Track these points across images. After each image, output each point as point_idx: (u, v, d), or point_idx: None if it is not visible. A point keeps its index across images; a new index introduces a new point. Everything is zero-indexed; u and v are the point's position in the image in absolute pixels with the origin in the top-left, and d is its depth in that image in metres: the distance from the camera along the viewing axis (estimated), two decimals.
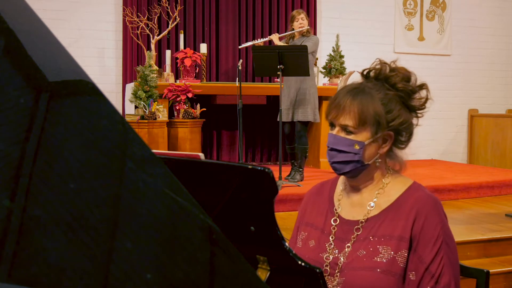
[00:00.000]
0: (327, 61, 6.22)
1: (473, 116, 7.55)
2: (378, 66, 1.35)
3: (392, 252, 1.24)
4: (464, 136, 7.64)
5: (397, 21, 7.18)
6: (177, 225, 0.53)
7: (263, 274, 0.95)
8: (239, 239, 0.88)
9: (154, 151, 0.55)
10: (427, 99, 1.34)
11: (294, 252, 0.95)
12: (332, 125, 1.33)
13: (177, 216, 0.53)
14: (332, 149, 1.31)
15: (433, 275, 1.22)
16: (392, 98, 1.30)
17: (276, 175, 4.47)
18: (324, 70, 6.15)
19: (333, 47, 6.22)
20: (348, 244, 1.31)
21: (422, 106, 1.34)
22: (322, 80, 6.27)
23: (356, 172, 1.32)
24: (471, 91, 7.64)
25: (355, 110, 1.27)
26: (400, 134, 1.33)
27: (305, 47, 4.53)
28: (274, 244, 0.94)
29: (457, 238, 3.35)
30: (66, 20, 5.82)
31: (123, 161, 0.51)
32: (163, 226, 0.52)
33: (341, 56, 6.14)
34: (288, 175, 4.98)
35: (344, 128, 1.29)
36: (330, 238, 1.34)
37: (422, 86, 1.34)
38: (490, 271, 1.51)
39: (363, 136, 1.29)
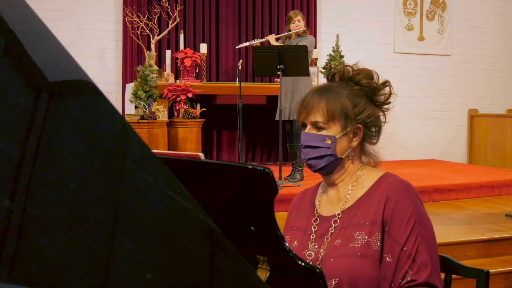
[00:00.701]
0: (327, 61, 6.22)
1: (473, 116, 7.55)
2: (341, 69, 1.42)
3: (366, 237, 1.28)
4: (464, 136, 7.64)
5: (397, 21, 7.18)
6: (177, 225, 0.53)
7: (263, 274, 0.95)
8: (239, 239, 0.88)
9: (154, 151, 0.55)
10: (390, 93, 1.41)
11: (294, 252, 0.95)
12: (304, 125, 1.39)
13: (177, 216, 0.53)
14: (305, 147, 1.37)
15: (409, 254, 1.24)
16: (357, 93, 1.37)
17: (276, 175, 4.47)
18: (324, 70, 6.15)
19: (333, 47, 6.22)
20: (327, 237, 1.34)
21: (387, 101, 1.41)
22: (322, 80, 6.27)
23: (331, 167, 1.37)
24: (471, 91, 7.64)
25: (323, 106, 1.34)
26: (369, 128, 1.39)
27: (305, 47, 4.54)
28: (274, 244, 0.94)
29: (457, 238, 3.36)
30: (66, 20, 5.82)
31: (123, 161, 0.51)
32: (163, 226, 0.52)
33: (341, 56, 6.14)
34: (289, 175, 4.99)
35: (315, 125, 1.36)
36: (311, 236, 1.38)
37: (385, 83, 1.41)
38: (490, 271, 1.51)
39: (334, 131, 1.35)
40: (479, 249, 3.36)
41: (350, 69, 1.41)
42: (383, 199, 1.30)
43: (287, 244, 0.94)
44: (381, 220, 1.28)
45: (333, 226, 1.35)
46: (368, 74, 1.40)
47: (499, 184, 5.08)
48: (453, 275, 1.54)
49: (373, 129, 1.40)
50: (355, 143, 1.37)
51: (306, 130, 1.37)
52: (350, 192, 1.38)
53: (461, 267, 1.51)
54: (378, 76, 1.41)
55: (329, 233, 1.34)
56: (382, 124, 1.42)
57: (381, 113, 1.42)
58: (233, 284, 0.57)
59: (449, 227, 3.66)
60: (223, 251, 0.56)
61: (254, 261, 0.97)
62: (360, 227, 1.30)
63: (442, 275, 1.55)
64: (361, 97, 1.37)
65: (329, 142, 1.34)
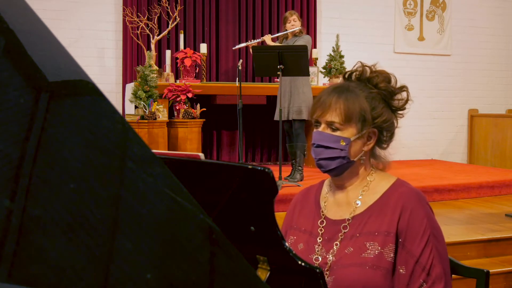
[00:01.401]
0: (327, 61, 6.22)
1: (473, 116, 7.55)
2: (360, 69, 1.38)
3: (379, 248, 1.25)
4: (464, 136, 7.64)
5: (397, 21, 7.18)
6: (177, 225, 0.53)
7: (263, 274, 0.95)
8: (239, 239, 0.88)
9: (154, 151, 0.55)
10: (407, 99, 1.38)
11: (294, 252, 0.95)
12: (317, 123, 1.35)
13: (177, 216, 0.53)
14: (318, 146, 1.33)
15: (423, 267, 1.23)
16: (376, 96, 1.34)
17: (276, 175, 4.47)
18: (324, 70, 6.15)
19: (333, 47, 6.21)
20: (336, 242, 1.32)
21: (403, 107, 1.38)
22: (322, 80, 6.27)
23: (342, 169, 1.34)
24: (471, 91, 7.64)
25: (341, 107, 1.30)
26: (383, 133, 1.36)
27: (305, 47, 4.55)
28: (274, 244, 0.93)
29: (457, 238, 3.36)
30: (66, 20, 5.82)
31: (123, 161, 0.51)
32: (163, 226, 0.52)
33: (341, 56, 6.13)
34: (289, 175, 4.99)
35: (330, 125, 1.32)
36: (318, 239, 1.35)
37: (403, 88, 1.38)
38: (490, 271, 1.51)
39: (349, 133, 1.31)
40: (479, 249, 3.36)
41: (369, 69, 1.37)
42: (397, 210, 1.28)
43: (287, 244, 0.94)
44: (395, 231, 1.26)
45: (342, 231, 1.32)
46: (387, 77, 1.36)
47: (499, 184, 5.08)
48: (453, 275, 1.54)
49: (385, 134, 1.37)
50: (369, 146, 1.34)
51: (320, 129, 1.33)
52: (360, 197, 1.35)
53: (461, 267, 1.51)
54: (396, 79, 1.38)
55: (339, 238, 1.32)
56: (395, 128, 1.39)
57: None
58: (233, 284, 0.57)
59: (449, 227, 3.66)
60: (223, 251, 0.56)
61: (254, 261, 0.96)
62: (373, 237, 1.27)
63: None
64: (379, 101, 1.34)
65: (344, 144, 1.30)
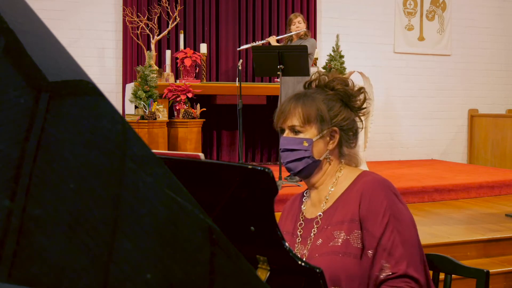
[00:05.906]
0: (327, 61, 6.22)
1: (473, 116, 7.55)
2: (317, 77, 1.48)
3: (345, 235, 1.31)
4: (464, 136, 7.64)
5: (397, 21, 7.18)
6: (177, 225, 0.53)
7: (263, 274, 0.95)
8: (239, 239, 0.88)
9: (154, 151, 0.55)
10: (365, 99, 1.47)
11: (294, 252, 0.95)
12: (282, 131, 1.44)
13: (177, 216, 0.53)
14: (284, 150, 1.41)
15: (384, 248, 1.26)
16: (333, 97, 1.43)
17: (276, 175, 4.47)
18: (324, 70, 6.15)
19: (333, 47, 6.22)
20: (310, 238, 1.38)
21: (362, 106, 1.47)
22: None
23: (309, 169, 1.41)
24: (471, 91, 7.64)
25: (299, 110, 1.40)
26: (346, 132, 1.43)
27: (305, 47, 4.55)
28: (274, 244, 0.94)
29: (457, 238, 3.36)
30: (66, 20, 5.82)
31: (123, 161, 0.51)
32: (163, 226, 0.52)
33: (341, 56, 6.14)
34: (289, 175, 4.99)
35: (292, 129, 1.41)
36: (297, 240, 1.42)
37: (361, 90, 1.47)
38: (490, 271, 1.51)
39: (311, 134, 1.40)
40: (479, 249, 3.36)
41: (326, 77, 1.46)
42: (358, 197, 1.33)
43: (287, 244, 0.94)
44: (358, 218, 1.31)
45: (315, 227, 1.39)
46: (343, 81, 1.45)
47: (499, 184, 5.08)
48: (453, 275, 1.54)
49: (350, 133, 1.44)
50: (331, 145, 1.42)
51: (284, 135, 1.42)
52: (330, 193, 1.41)
53: (461, 267, 1.51)
54: (353, 83, 1.47)
55: (312, 234, 1.38)
56: (360, 129, 1.47)
57: (359, 121, 1.46)
58: (233, 284, 0.57)
59: (449, 227, 3.66)
60: (223, 251, 0.56)
61: (254, 261, 0.97)
62: (339, 226, 1.33)
63: (442, 275, 1.55)
64: (336, 101, 1.42)
65: (306, 145, 1.38)
